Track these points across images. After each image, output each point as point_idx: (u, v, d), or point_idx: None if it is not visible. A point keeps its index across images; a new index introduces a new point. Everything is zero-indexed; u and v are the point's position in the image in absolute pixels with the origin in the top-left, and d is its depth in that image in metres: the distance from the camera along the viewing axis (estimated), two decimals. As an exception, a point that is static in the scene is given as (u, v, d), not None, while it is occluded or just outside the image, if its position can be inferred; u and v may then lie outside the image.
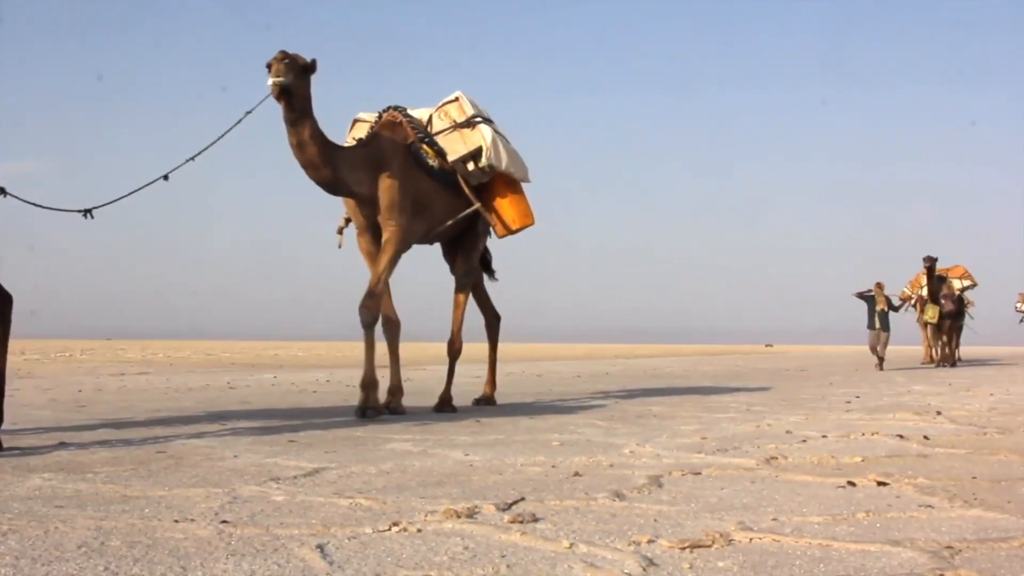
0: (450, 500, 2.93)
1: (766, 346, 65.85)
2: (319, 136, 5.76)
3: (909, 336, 21.89)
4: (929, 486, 3.28)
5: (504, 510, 2.77)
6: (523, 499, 2.96)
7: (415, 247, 6.81)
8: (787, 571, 2.11)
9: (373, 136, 6.33)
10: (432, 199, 6.47)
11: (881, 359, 16.86)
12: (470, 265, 7.07)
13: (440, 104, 6.80)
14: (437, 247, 7.18)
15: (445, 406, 6.68)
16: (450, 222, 6.62)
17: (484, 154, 6.53)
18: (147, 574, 2.04)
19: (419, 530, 2.49)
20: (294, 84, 5.53)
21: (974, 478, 3.50)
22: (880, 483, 3.32)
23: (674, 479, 3.45)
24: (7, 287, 4.30)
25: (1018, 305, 21.54)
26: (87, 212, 5.09)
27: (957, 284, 20.06)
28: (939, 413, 6.50)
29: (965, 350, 22.92)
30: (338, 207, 6.70)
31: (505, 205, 6.81)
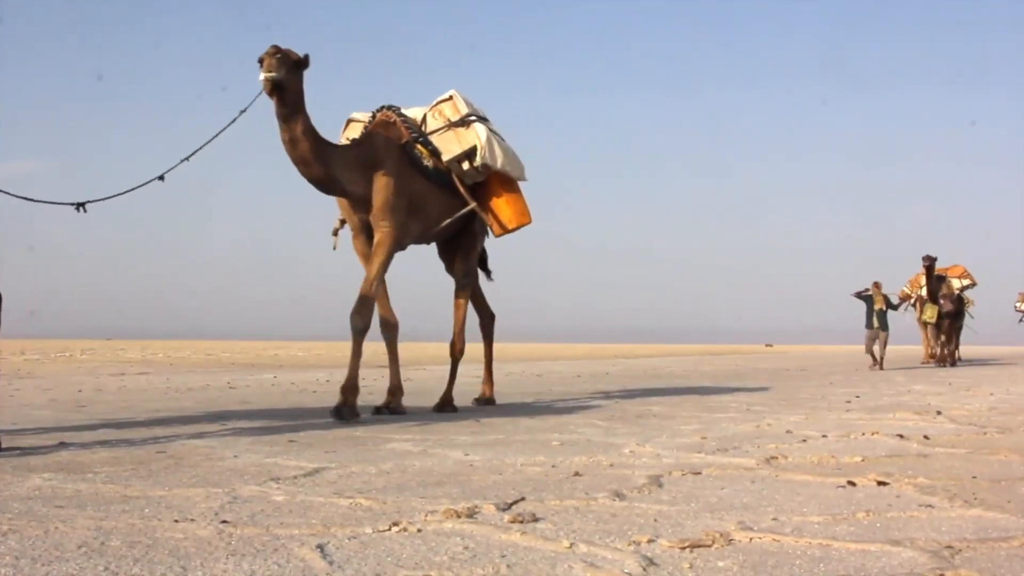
0: (450, 500, 2.93)
1: (766, 346, 65.85)
2: (312, 132, 5.70)
3: (909, 335, 21.91)
4: (929, 486, 3.28)
5: (504, 510, 2.77)
6: (523, 499, 2.96)
7: (412, 247, 6.80)
8: (787, 571, 2.11)
9: (367, 136, 6.28)
10: (427, 199, 6.43)
11: (881, 358, 16.86)
12: (469, 266, 7.05)
13: (434, 103, 6.75)
14: (432, 246, 7.15)
15: (446, 407, 6.67)
16: (446, 222, 6.57)
17: (479, 153, 6.49)
18: (147, 574, 2.04)
19: (419, 530, 2.49)
20: (286, 79, 5.46)
21: (974, 478, 3.50)
22: (880, 483, 3.32)
23: (674, 479, 3.45)
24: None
25: (1018, 304, 21.54)
26: (80, 205, 5.06)
27: (956, 284, 20.06)
28: (939, 413, 6.50)
29: (965, 350, 22.92)
30: (336, 207, 6.69)
31: (501, 204, 6.76)
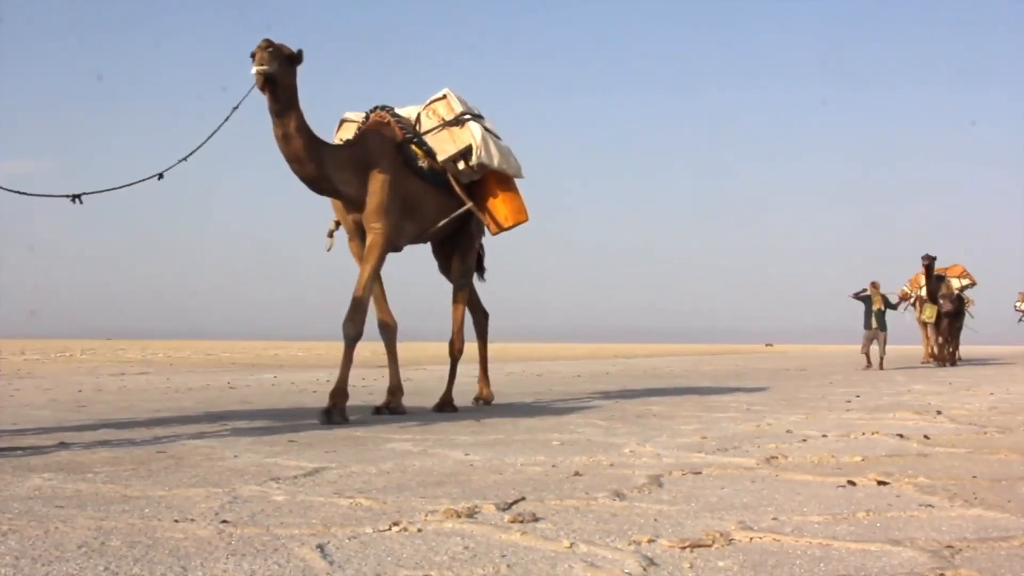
0: (450, 500, 2.93)
1: (766, 346, 65.89)
2: (305, 129, 5.65)
3: (908, 335, 21.93)
4: (929, 485, 3.28)
5: (504, 510, 2.77)
6: (523, 499, 2.96)
7: (410, 247, 6.77)
8: (787, 570, 2.11)
9: (361, 136, 6.23)
10: (423, 200, 6.38)
11: (881, 358, 16.86)
12: (467, 266, 7.01)
13: (428, 102, 6.68)
14: (427, 245, 7.10)
15: (446, 407, 6.67)
16: (442, 223, 6.52)
17: (474, 153, 6.43)
18: (147, 574, 2.04)
19: (419, 530, 2.49)
20: (278, 73, 5.41)
21: (974, 477, 3.50)
22: (880, 482, 3.32)
23: (674, 479, 3.45)
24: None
25: (1017, 304, 21.56)
26: (76, 197, 5.02)
27: (956, 283, 20.07)
28: (939, 412, 6.50)
29: (965, 349, 22.92)
30: (331, 208, 6.65)
31: (498, 203, 6.71)
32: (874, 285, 17.08)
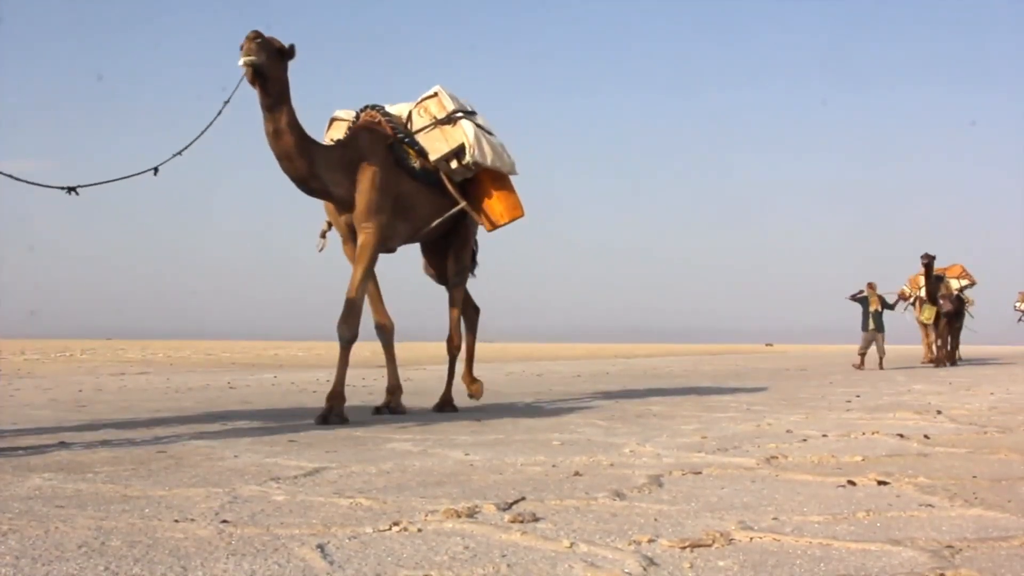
0: (450, 500, 2.93)
1: (766, 345, 65.89)
2: (296, 126, 5.59)
3: (908, 335, 21.93)
4: (929, 485, 3.28)
5: (504, 510, 2.77)
6: (523, 499, 2.96)
7: (406, 247, 6.75)
8: (787, 570, 2.11)
9: (352, 136, 6.14)
10: (416, 200, 6.32)
11: (881, 358, 16.86)
12: (462, 264, 6.95)
13: (419, 100, 6.59)
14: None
15: (446, 406, 6.66)
16: (436, 222, 6.47)
17: (467, 151, 6.35)
18: (147, 574, 2.04)
19: (419, 530, 2.49)
20: (267, 65, 5.34)
21: (974, 477, 3.50)
22: (880, 482, 3.32)
23: (674, 478, 3.45)
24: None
25: (1017, 304, 21.57)
26: (71, 189, 5.01)
27: (955, 284, 20.06)
28: (939, 412, 6.50)
29: (965, 349, 22.93)
30: (323, 210, 6.62)
31: (492, 200, 6.63)
32: (871, 286, 17.07)
